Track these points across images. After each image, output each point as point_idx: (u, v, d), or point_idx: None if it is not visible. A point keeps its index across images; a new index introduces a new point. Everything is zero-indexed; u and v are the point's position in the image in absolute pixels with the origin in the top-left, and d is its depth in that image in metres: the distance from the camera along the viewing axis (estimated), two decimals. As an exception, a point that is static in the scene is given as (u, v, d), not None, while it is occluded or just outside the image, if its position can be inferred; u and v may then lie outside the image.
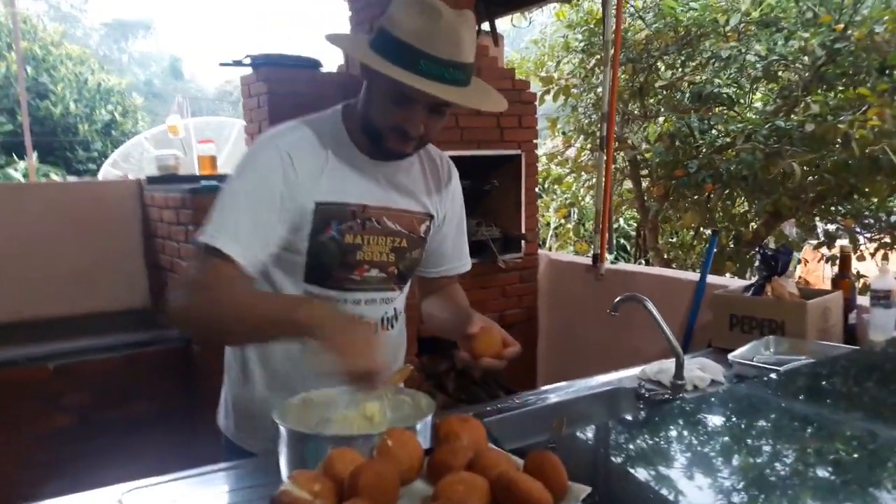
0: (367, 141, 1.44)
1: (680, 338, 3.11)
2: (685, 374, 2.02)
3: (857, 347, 2.08)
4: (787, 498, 0.99)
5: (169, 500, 1.29)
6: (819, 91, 4.32)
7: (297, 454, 1.19)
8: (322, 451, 1.14)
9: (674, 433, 1.22)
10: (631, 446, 1.19)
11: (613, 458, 1.15)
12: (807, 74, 4.40)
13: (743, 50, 4.61)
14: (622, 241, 6.85)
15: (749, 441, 1.16)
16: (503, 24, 3.99)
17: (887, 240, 4.30)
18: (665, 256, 5.20)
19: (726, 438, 1.18)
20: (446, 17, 1.28)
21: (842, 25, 4.17)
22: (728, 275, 4.52)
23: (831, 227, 4.85)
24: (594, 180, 5.87)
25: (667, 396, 1.74)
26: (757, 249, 2.69)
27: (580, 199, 5.88)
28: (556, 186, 5.96)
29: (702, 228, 5.25)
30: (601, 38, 5.10)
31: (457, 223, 1.68)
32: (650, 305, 1.71)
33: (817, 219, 4.82)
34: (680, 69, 5.01)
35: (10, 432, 2.83)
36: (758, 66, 4.44)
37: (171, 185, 3.27)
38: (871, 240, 4.44)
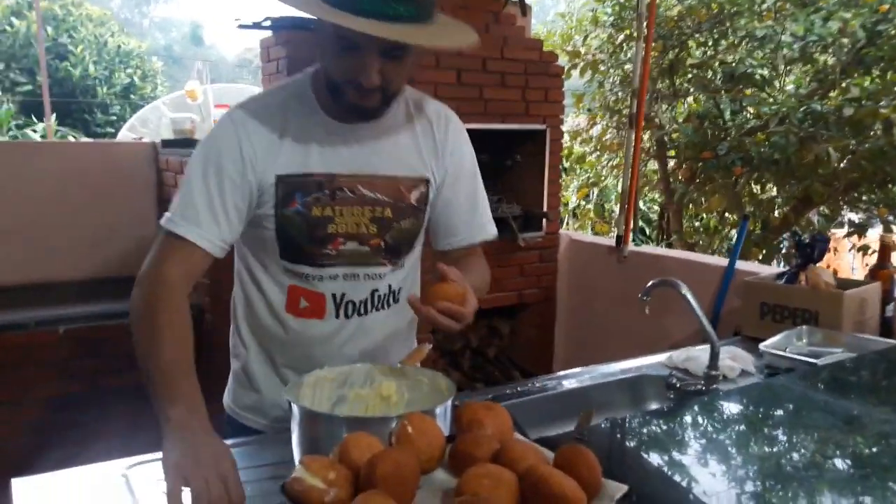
0: (334, 102, 1.32)
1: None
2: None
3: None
4: (832, 499, 0.91)
5: (174, 475, 1.22)
6: (857, 74, 4.15)
7: (310, 434, 1.13)
8: (336, 431, 1.08)
9: (711, 428, 1.13)
10: (667, 440, 1.11)
11: (648, 454, 1.07)
12: (845, 57, 4.23)
13: (778, 30, 4.44)
14: (641, 224, 6.70)
15: (793, 439, 1.08)
16: (531, -6, 3.86)
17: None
18: (689, 241, 5.08)
19: (769, 435, 1.10)
20: None
21: (886, 6, 3.99)
22: (753, 262, 4.40)
23: (855, 216, 4.70)
24: (618, 160, 5.76)
25: (699, 387, 1.65)
26: (791, 235, 2.58)
27: (602, 178, 5.75)
28: (577, 166, 5.82)
29: (727, 213, 5.12)
30: (632, 12, 4.96)
31: (466, 186, 1.50)
32: (685, 290, 1.61)
33: (846, 207, 4.67)
34: (712, 48, 4.84)
35: (18, 396, 2.79)
36: (794, 46, 4.28)
37: (186, 150, 3.19)
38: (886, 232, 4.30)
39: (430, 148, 1.44)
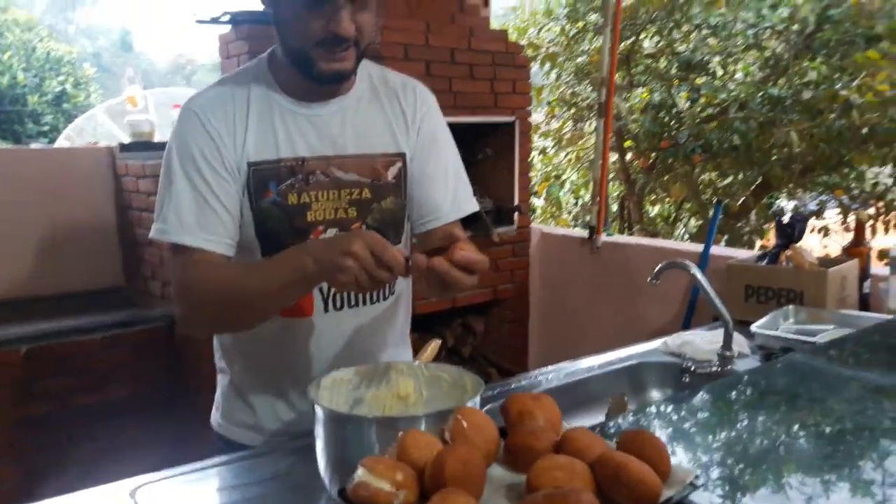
0: (299, 80, 1.25)
1: (682, 311, 3.04)
2: (706, 346, 1.94)
3: (891, 317, 2.02)
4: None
5: (183, 494, 1.15)
6: (807, 60, 4.27)
7: (336, 436, 1.07)
8: (364, 433, 1.02)
9: (758, 410, 1.11)
10: (721, 422, 1.08)
11: (698, 438, 1.04)
12: (796, 42, 4.35)
13: (731, 18, 4.54)
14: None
15: (852, 409, 1.06)
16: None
17: (871, 211, 4.31)
18: (650, 230, 5.15)
19: (826, 408, 1.08)
20: None
21: (839, -9, 4.13)
22: (718, 247, 4.48)
23: (789, 204, 4.87)
24: (575, 153, 5.80)
25: (715, 369, 1.64)
26: (773, 216, 2.62)
27: (562, 172, 5.77)
28: (539, 157, 5.81)
29: (684, 202, 5.22)
30: (586, 4, 5.01)
31: (442, 156, 1.40)
32: (695, 270, 1.61)
33: (799, 190, 4.81)
34: (667, 37, 4.91)
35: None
36: (748, 33, 4.37)
37: (147, 153, 3.05)
38: (854, 211, 4.45)
39: (401, 120, 1.36)
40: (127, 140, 3.45)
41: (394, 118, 1.36)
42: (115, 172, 3.33)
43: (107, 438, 2.62)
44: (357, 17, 1.17)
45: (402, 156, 1.36)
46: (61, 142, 7.91)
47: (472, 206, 1.45)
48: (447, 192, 1.40)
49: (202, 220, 1.22)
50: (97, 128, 7.57)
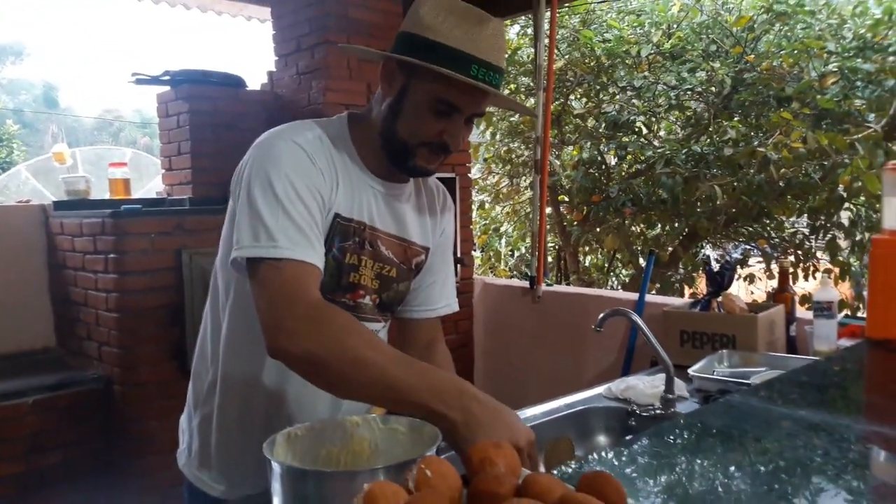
0: (381, 160, 1.32)
1: (621, 356, 3.13)
2: (649, 390, 2.01)
3: (817, 358, 2.13)
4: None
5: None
6: (724, 119, 4.57)
7: (296, 493, 1.06)
8: (325, 488, 1.03)
9: (710, 448, 1.17)
10: (666, 465, 1.13)
11: (656, 481, 1.08)
12: (716, 101, 4.64)
13: (653, 80, 4.82)
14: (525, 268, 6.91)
15: (793, 447, 1.13)
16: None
17: (791, 258, 4.56)
18: (586, 279, 5.31)
19: (770, 445, 1.15)
20: (491, 21, 1.23)
21: (753, 56, 4.44)
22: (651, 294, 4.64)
23: (712, 253, 5.11)
24: (510, 207, 5.95)
25: (658, 412, 1.70)
26: (703, 265, 2.75)
27: (500, 224, 5.91)
28: (477, 211, 5.95)
29: (617, 252, 5.40)
30: (517, 67, 5.22)
31: (446, 258, 1.54)
32: (635, 317, 1.68)
33: (723, 240, 5.05)
34: (595, 98, 5.17)
35: None
36: (671, 94, 4.65)
37: (84, 212, 2.98)
38: (776, 259, 4.70)
39: (432, 218, 1.48)
40: (53, 198, 3.37)
41: (430, 215, 1.47)
42: (47, 230, 3.23)
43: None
44: (464, 133, 1.27)
45: (427, 250, 1.46)
46: (-22, 200, 7.61)
47: (455, 305, 1.57)
48: (444, 291, 1.53)
49: (312, 239, 1.21)
50: (21, 185, 7.34)
